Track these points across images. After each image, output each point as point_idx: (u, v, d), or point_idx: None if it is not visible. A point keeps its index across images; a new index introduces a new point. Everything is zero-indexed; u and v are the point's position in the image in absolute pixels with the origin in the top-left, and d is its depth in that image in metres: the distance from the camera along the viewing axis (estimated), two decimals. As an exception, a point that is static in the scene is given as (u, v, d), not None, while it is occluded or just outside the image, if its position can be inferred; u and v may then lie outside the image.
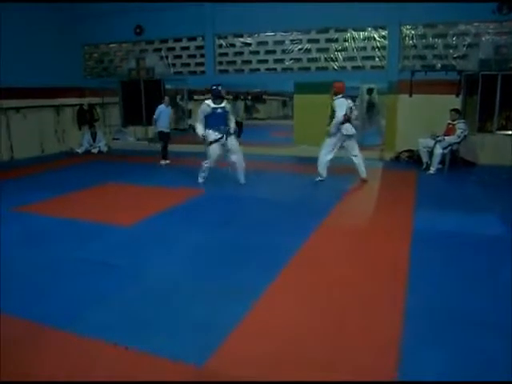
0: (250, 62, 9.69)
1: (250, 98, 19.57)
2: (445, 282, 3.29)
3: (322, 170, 6.59)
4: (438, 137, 7.44)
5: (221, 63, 9.96)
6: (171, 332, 2.65)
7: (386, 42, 8.60)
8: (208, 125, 6.34)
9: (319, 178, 6.64)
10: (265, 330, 2.67)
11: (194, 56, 10.15)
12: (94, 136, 10.60)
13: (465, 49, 8.10)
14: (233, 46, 9.77)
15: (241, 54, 9.72)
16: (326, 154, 6.52)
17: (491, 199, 5.77)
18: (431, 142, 7.50)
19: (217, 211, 5.42)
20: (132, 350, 2.43)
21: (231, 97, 13.07)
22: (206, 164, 6.52)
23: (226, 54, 9.87)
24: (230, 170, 6.75)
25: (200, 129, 6.36)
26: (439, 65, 8.32)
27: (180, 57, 10.29)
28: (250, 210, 5.49)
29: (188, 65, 10.26)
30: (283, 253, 3.85)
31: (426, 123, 7.86)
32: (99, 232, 4.55)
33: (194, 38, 10.05)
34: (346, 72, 8.90)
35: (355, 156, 6.59)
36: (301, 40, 9.17)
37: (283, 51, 9.35)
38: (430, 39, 8.30)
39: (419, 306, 2.90)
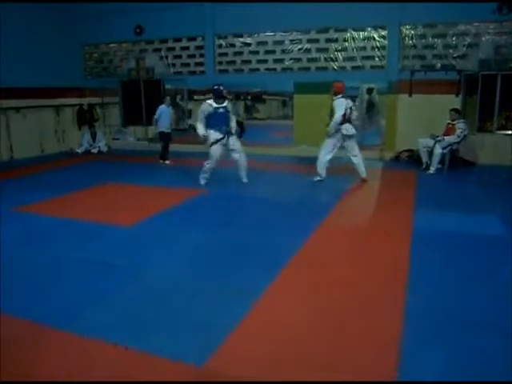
0: (249, 61, 9.69)
1: (249, 97, 19.56)
2: (445, 282, 3.29)
3: (322, 169, 6.59)
4: (437, 136, 7.45)
5: (221, 63, 9.96)
6: (171, 332, 2.65)
7: (385, 42, 8.60)
8: (209, 125, 6.31)
9: (318, 178, 6.64)
10: (265, 329, 2.67)
11: (193, 56, 10.15)
12: (93, 136, 10.60)
13: (465, 49, 8.10)
14: (232, 45, 9.77)
15: (240, 53, 9.72)
16: (325, 154, 6.52)
17: (491, 199, 5.77)
18: (431, 142, 7.50)
19: (217, 211, 5.42)
20: (132, 350, 2.43)
21: (231, 97, 13.05)
22: (207, 165, 6.49)
23: (225, 54, 9.87)
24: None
25: (201, 128, 6.34)
26: (439, 65, 8.32)
27: (180, 57, 10.29)
28: (250, 209, 5.49)
29: (188, 65, 10.26)
30: (283, 253, 3.85)
31: (426, 123, 7.87)
32: (99, 232, 4.55)
33: (193, 38, 10.05)
34: (346, 72, 8.90)
35: (355, 156, 6.58)
36: (300, 40, 9.17)
37: (283, 51, 9.35)
38: (430, 39, 8.30)
39: (419, 306, 2.90)
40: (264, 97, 20.62)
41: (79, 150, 10.40)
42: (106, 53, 11.08)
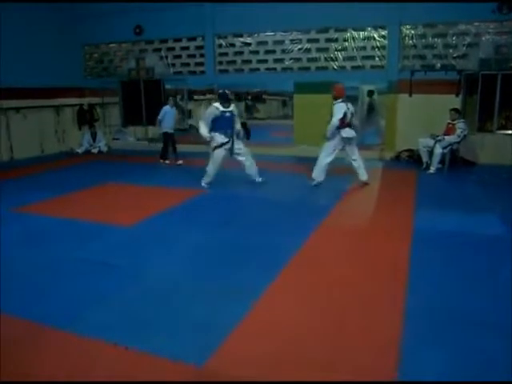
0: (249, 61, 9.69)
1: (249, 97, 19.56)
2: (445, 282, 3.29)
3: (320, 172, 6.43)
4: (437, 136, 7.45)
5: (221, 63, 9.96)
6: (171, 332, 2.65)
7: (385, 42, 8.59)
8: (215, 128, 6.26)
9: (314, 183, 6.47)
10: (265, 329, 2.67)
11: (193, 56, 10.15)
12: (93, 136, 10.60)
13: (465, 48, 8.10)
14: (233, 45, 9.76)
15: (241, 53, 9.72)
16: (325, 157, 6.41)
17: (491, 199, 5.77)
18: (431, 142, 7.50)
19: (217, 211, 5.42)
20: (132, 350, 2.43)
21: (232, 97, 13.04)
22: (210, 169, 6.43)
23: (225, 54, 9.87)
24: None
25: (204, 130, 6.27)
26: (439, 64, 8.32)
27: (180, 57, 10.29)
28: (250, 209, 5.49)
29: (188, 65, 10.26)
30: (283, 253, 3.86)
31: (426, 123, 7.87)
32: (99, 232, 4.55)
33: (193, 38, 10.04)
34: (346, 72, 8.90)
35: (354, 160, 6.48)
36: (300, 40, 9.17)
37: (283, 51, 9.34)
38: (430, 39, 8.30)
39: (419, 305, 2.90)
40: (264, 97, 20.61)
41: (79, 150, 10.40)
42: (106, 53, 11.08)
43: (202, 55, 10.05)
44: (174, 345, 2.50)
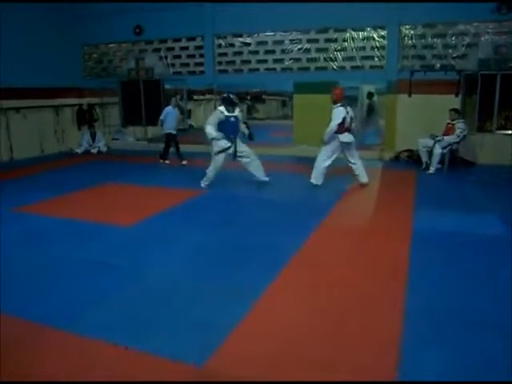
0: (249, 61, 9.69)
1: (249, 97, 19.55)
2: (445, 282, 3.29)
3: (319, 176, 6.41)
4: (437, 136, 7.45)
5: (220, 63, 9.95)
6: (171, 332, 2.65)
7: (385, 42, 8.60)
8: (219, 132, 6.22)
9: (314, 182, 6.44)
10: (265, 329, 2.67)
11: (193, 56, 10.15)
12: (93, 136, 10.59)
13: (464, 49, 8.10)
14: (232, 45, 9.76)
15: (240, 53, 9.72)
16: (324, 160, 6.37)
17: (491, 199, 5.77)
18: (431, 142, 7.51)
19: (217, 211, 5.42)
20: (132, 350, 2.43)
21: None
22: (210, 172, 6.41)
23: (225, 54, 9.87)
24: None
25: (212, 130, 6.16)
26: (438, 65, 8.32)
27: (179, 57, 10.28)
28: (250, 209, 5.49)
29: (187, 65, 10.25)
30: (283, 253, 3.86)
31: (426, 123, 7.87)
32: (99, 232, 4.55)
33: (193, 38, 10.04)
34: (346, 72, 8.90)
35: (354, 164, 6.45)
36: (300, 40, 9.17)
37: (283, 51, 9.34)
38: (430, 39, 8.30)
39: (419, 305, 2.90)
40: (263, 97, 20.62)
41: (79, 150, 10.39)
42: (105, 53, 11.07)
43: (201, 55, 10.05)
44: (173, 345, 2.49)
